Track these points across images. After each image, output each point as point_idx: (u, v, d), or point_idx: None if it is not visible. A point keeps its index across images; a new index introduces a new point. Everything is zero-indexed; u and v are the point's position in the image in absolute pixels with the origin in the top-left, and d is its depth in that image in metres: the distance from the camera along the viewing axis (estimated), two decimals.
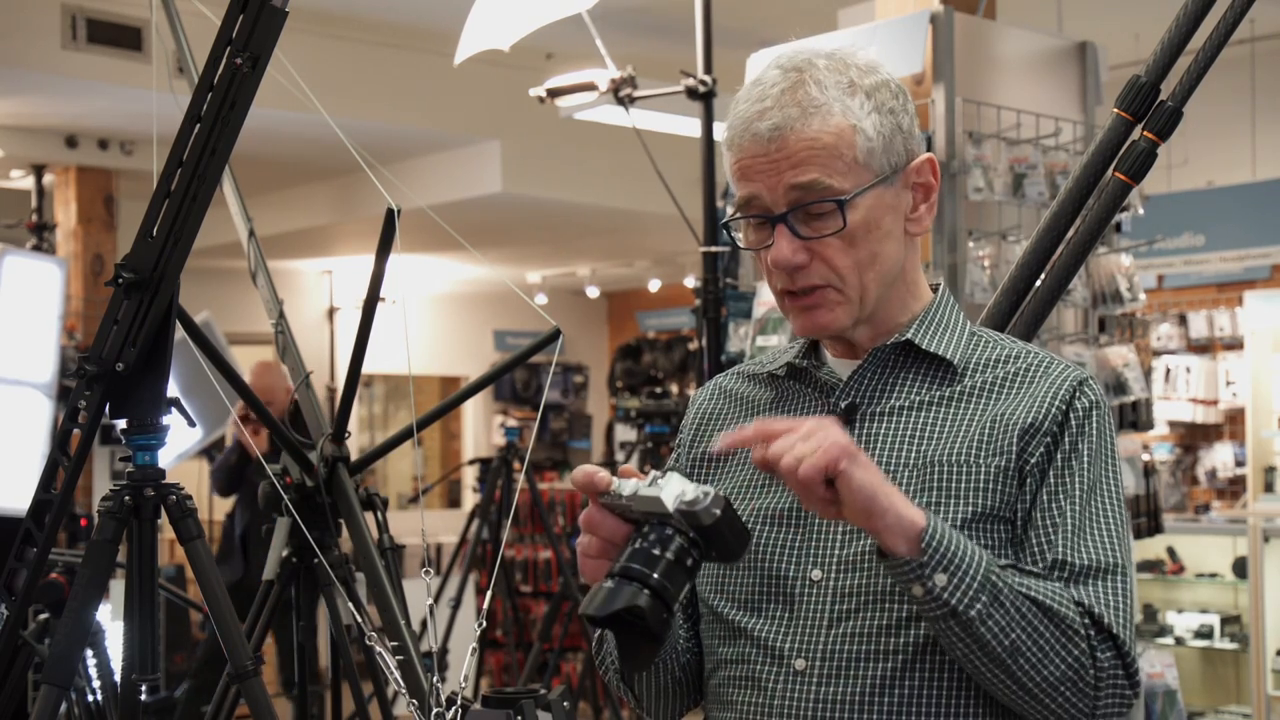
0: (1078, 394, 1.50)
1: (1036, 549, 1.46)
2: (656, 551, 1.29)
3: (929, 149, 3.18)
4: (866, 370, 1.55)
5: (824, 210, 1.48)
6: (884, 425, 1.52)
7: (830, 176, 1.47)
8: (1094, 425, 1.50)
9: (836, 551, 1.49)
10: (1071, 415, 1.49)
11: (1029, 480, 1.47)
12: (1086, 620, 1.41)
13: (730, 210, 1.57)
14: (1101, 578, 1.44)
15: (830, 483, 1.33)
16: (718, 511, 1.29)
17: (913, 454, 1.50)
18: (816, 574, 1.49)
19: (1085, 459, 1.48)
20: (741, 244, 1.58)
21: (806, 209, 1.48)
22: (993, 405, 1.51)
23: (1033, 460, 1.48)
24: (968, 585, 1.36)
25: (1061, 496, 1.47)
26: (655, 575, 1.27)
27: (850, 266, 1.50)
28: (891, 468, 1.49)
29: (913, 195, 1.55)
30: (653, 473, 1.34)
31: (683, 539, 1.30)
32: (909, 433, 1.51)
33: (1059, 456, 1.48)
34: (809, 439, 1.33)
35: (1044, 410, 1.49)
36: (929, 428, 1.51)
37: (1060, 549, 1.45)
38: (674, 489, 1.31)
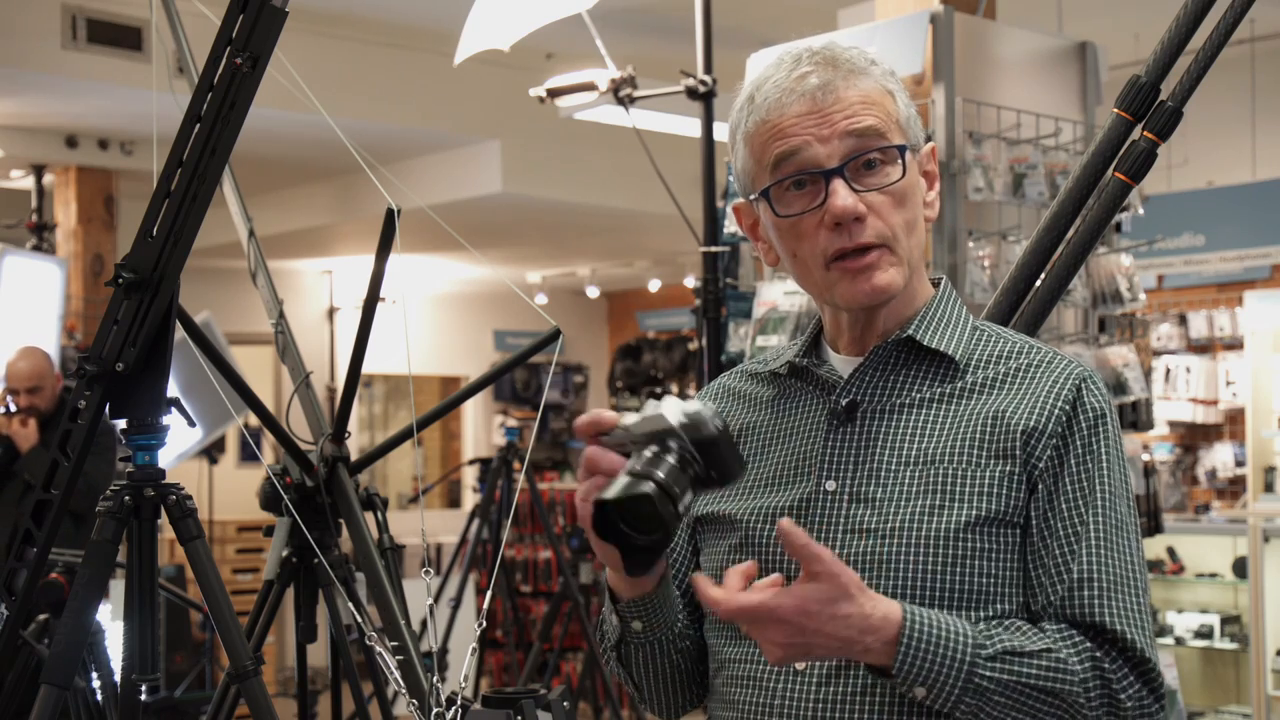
0: (1084, 392, 1.49)
1: (1059, 561, 1.45)
2: (660, 458, 1.29)
3: None
4: (867, 368, 1.54)
5: (882, 160, 1.48)
6: (886, 423, 1.51)
7: (885, 128, 1.48)
8: (1107, 429, 1.49)
9: (840, 551, 1.48)
10: (1081, 416, 1.48)
11: (1040, 485, 1.46)
12: (1096, 678, 1.40)
13: (767, 180, 1.51)
14: (1128, 594, 1.44)
15: None
16: (719, 424, 1.30)
17: (914, 452, 1.49)
18: None
19: (1105, 465, 1.47)
20: (779, 214, 1.51)
21: (860, 160, 1.47)
22: (993, 401, 1.49)
23: (1040, 464, 1.46)
24: (948, 693, 1.37)
25: (1083, 506, 1.45)
26: (661, 475, 1.28)
27: (901, 225, 1.49)
28: (893, 466, 1.49)
29: (925, 180, 1.56)
30: (650, 402, 1.35)
31: (683, 451, 1.30)
32: (911, 431, 1.50)
33: (1072, 460, 1.46)
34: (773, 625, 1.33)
35: (1047, 411, 1.47)
36: (931, 426, 1.50)
37: (1085, 563, 1.44)
38: (673, 406, 1.32)
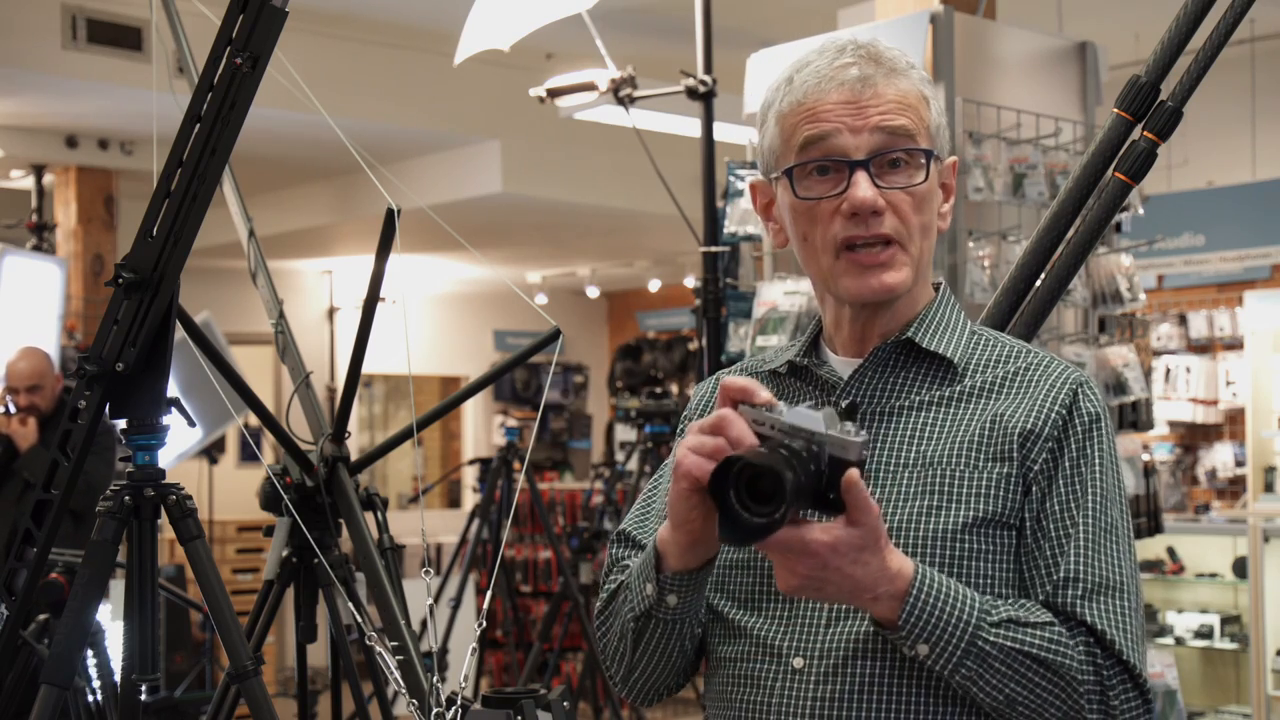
0: (1080, 397, 1.50)
1: (1049, 561, 1.46)
2: (800, 454, 1.27)
3: None
4: (867, 369, 1.55)
5: (907, 161, 1.49)
6: (885, 425, 1.52)
7: (916, 131, 1.49)
8: (1101, 433, 1.50)
9: None
10: (1077, 420, 1.49)
11: (1034, 488, 1.47)
12: (1091, 665, 1.41)
13: (792, 159, 1.51)
14: (1113, 596, 1.44)
15: None
16: (864, 454, 1.29)
17: (913, 454, 1.49)
18: None
19: (1098, 469, 1.48)
20: (799, 195, 1.51)
21: (885, 157, 1.48)
22: (992, 405, 1.50)
23: (1036, 467, 1.47)
24: (950, 653, 1.38)
25: (1074, 508, 1.46)
26: (797, 465, 1.26)
27: (917, 227, 1.51)
28: (893, 468, 1.49)
29: (942, 192, 1.57)
30: (808, 403, 1.33)
31: (820, 460, 1.29)
32: (910, 433, 1.51)
33: (1066, 463, 1.48)
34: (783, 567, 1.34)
35: (1044, 415, 1.49)
36: (930, 428, 1.51)
37: (1073, 563, 1.45)
38: (831, 419, 1.30)
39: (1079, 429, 1.49)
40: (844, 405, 1.52)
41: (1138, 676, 1.43)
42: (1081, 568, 1.44)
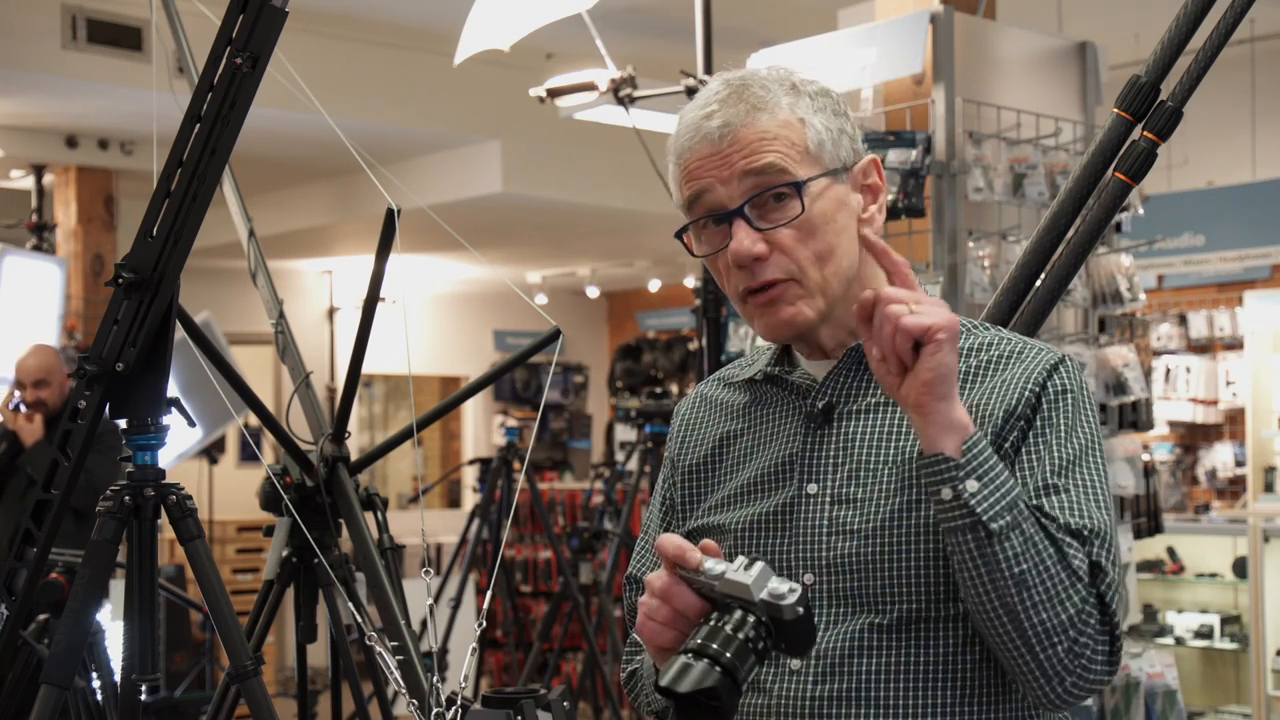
0: (1053, 375, 1.49)
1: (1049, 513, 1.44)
2: (732, 632, 1.29)
3: (929, 149, 3.18)
4: (842, 370, 1.55)
5: (782, 196, 1.48)
6: (862, 424, 1.52)
7: (785, 162, 1.48)
8: (1069, 401, 1.49)
9: (826, 554, 1.49)
10: (1044, 397, 1.48)
11: (1015, 466, 1.46)
12: (1089, 576, 1.40)
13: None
14: (1113, 547, 1.43)
15: (917, 348, 1.35)
16: (801, 610, 1.30)
17: (892, 451, 1.50)
18: (809, 578, 1.50)
19: (1061, 431, 1.47)
20: (696, 254, 1.56)
21: (763, 198, 1.48)
22: (967, 396, 1.50)
23: (1007, 444, 1.47)
24: (996, 500, 1.36)
25: (1066, 461, 1.45)
26: (729, 655, 1.28)
27: (809, 258, 1.49)
28: (871, 465, 1.50)
29: (863, 196, 1.55)
30: (741, 559, 1.33)
31: (758, 626, 1.31)
32: (887, 430, 1.51)
33: (1031, 435, 1.47)
34: (925, 305, 1.35)
35: (1018, 396, 1.48)
36: (907, 423, 1.50)
37: (1082, 516, 1.42)
38: (762, 579, 1.31)
39: (1045, 405, 1.48)
40: (820, 406, 1.53)
41: (1114, 622, 1.42)
42: (1091, 520, 1.42)
